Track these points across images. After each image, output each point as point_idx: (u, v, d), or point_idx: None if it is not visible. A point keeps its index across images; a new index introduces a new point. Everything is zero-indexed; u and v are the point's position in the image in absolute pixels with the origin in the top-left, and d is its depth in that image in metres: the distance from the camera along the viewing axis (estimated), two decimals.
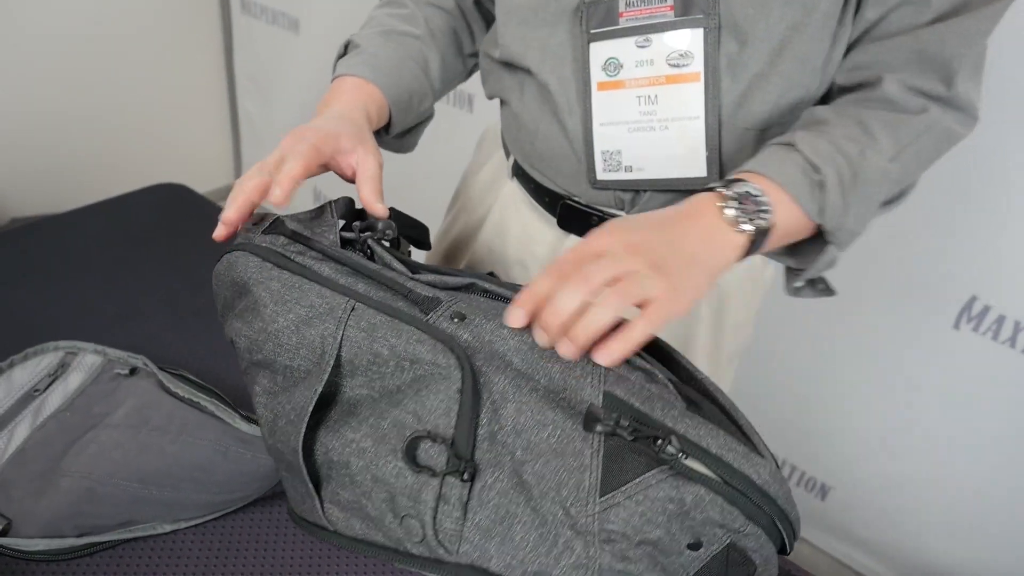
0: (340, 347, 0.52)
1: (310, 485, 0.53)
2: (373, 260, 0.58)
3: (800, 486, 1.61)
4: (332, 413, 0.54)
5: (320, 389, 0.52)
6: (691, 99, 0.64)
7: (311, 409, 0.52)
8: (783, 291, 0.68)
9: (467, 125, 1.78)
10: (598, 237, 0.51)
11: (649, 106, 0.66)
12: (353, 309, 0.52)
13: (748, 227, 0.54)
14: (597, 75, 0.66)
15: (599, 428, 0.47)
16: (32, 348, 0.77)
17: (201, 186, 1.27)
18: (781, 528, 0.49)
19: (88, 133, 2.12)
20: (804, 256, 0.62)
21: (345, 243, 0.59)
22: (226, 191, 2.73)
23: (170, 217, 1.15)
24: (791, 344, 1.51)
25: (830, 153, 0.57)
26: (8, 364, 0.77)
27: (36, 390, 0.74)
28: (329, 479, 0.54)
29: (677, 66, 0.64)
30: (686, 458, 0.46)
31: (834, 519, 1.58)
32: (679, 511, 0.47)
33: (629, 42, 0.64)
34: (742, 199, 0.54)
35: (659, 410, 0.48)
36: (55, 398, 0.73)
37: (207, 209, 1.19)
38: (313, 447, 0.54)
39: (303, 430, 0.52)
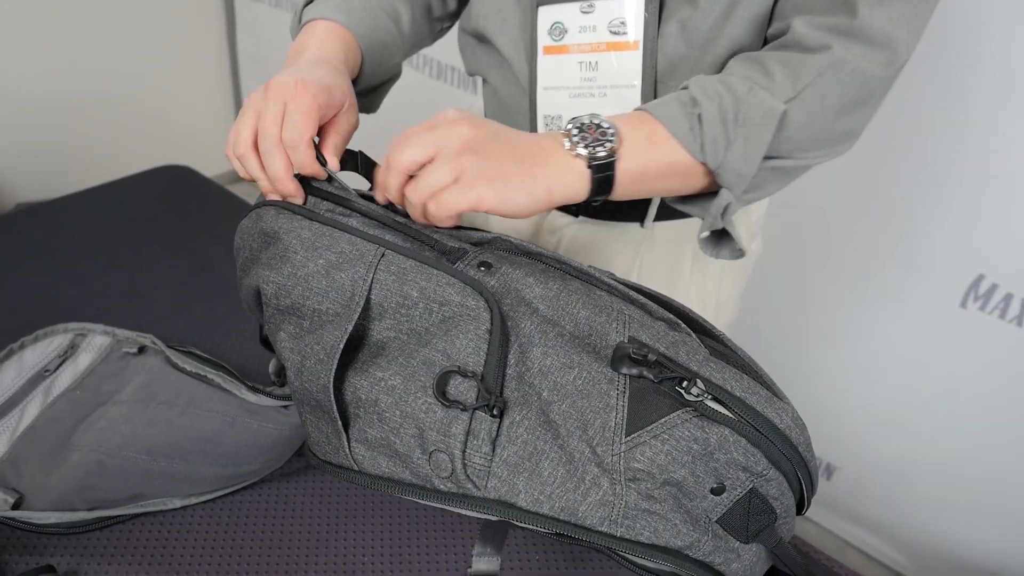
0: (370, 290, 0.53)
1: (339, 422, 0.53)
2: (398, 212, 0.60)
3: None
4: (360, 355, 0.55)
5: (350, 328, 0.52)
6: (629, 67, 0.65)
7: (341, 347, 0.52)
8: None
9: (470, 106, 1.77)
10: (437, 116, 0.56)
11: (590, 72, 0.67)
12: (383, 255, 0.53)
13: (584, 151, 0.55)
14: (543, 39, 0.67)
15: (626, 367, 0.49)
16: (42, 330, 0.78)
17: (205, 169, 1.27)
18: (800, 477, 0.50)
19: (91, 118, 2.12)
20: (701, 204, 0.62)
21: (367, 199, 0.60)
22: (230, 175, 2.73)
23: (175, 199, 1.15)
24: (796, 323, 1.50)
25: (716, 90, 0.57)
26: (19, 345, 0.77)
27: (47, 370, 0.75)
28: (356, 418, 0.54)
29: (617, 33, 0.64)
30: (711, 399, 0.48)
31: (840, 499, 1.59)
32: (703, 451, 0.48)
33: (574, 7, 0.65)
34: (585, 128, 0.56)
35: (684, 355, 0.50)
36: (65, 378, 0.74)
37: (212, 190, 1.19)
38: (341, 387, 0.54)
39: (334, 367, 0.52)
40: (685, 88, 0.59)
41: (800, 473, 0.50)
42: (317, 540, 0.67)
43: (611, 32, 0.64)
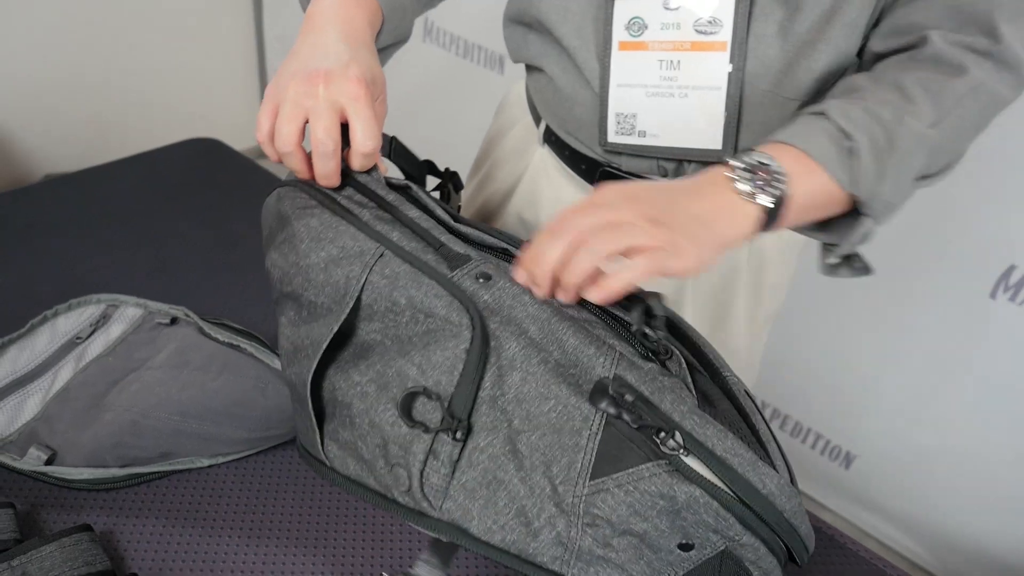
0: (362, 290, 0.52)
1: (312, 419, 0.54)
2: (418, 203, 0.59)
3: (824, 454, 1.61)
4: (345, 353, 0.55)
5: (336, 328, 0.52)
6: (715, 68, 0.63)
7: (325, 346, 0.52)
8: (816, 268, 0.67)
9: (497, 86, 1.77)
10: (600, 191, 0.51)
11: (671, 71, 0.64)
12: (381, 255, 0.53)
13: (763, 198, 0.52)
14: (619, 34, 0.64)
15: (604, 404, 0.46)
16: (76, 299, 0.79)
17: (231, 145, 1.28)
18: (787, 543, 0.48)
19: (117, 94, 2.14)
20: (838, 230, 0.60)
21: (391, 186, 0.59)
22: (253, 152, 2.74)
23: (204, 171, 1.16)
24: (821, 311, 1.49)
25: (863, 119, 0.54)
26: (53, 313, 0.79)
27: (79, 337, 0.76)
28: (332, 417, 0.55)
29: (704, 33, 0.62)
30: (687, 455, 0.45)
31: (857, 488, 1.58)
32: (670, 508, 0.46)
33: (656, 2, 0.62)
34: (754, 169, 0.53)
35: (668, 402, 0.47)
36: (97, 345, 0.75)
37: (240, 163, 1.20)
38: (322, 383, 0.55)
39: (315, 365, 0.53)
40: (821, 115, 0.56)
41: (787, 539, 0.47)
42: (336, 506, 0.68)
43: (696, 31, 0.62)
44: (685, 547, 0.47)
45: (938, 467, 1.44)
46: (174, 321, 0.77)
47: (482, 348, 0.49)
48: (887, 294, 1.39)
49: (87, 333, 0.76)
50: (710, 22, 0.61)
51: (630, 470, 0.46)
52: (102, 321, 0.78)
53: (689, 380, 0.50)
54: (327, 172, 0.56)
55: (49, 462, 0.65)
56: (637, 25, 0.63)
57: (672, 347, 0.51)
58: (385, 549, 0.65)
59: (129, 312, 0.78)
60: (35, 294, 0.87)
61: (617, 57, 0.65)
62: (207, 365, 0.69)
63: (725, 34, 0.61)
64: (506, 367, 0.49)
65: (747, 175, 0.53)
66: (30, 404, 0.69)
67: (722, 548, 0.46)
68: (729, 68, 0.62)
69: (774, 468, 0.47)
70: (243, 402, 0.67)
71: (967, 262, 1.26)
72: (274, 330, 0.82)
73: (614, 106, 0.67)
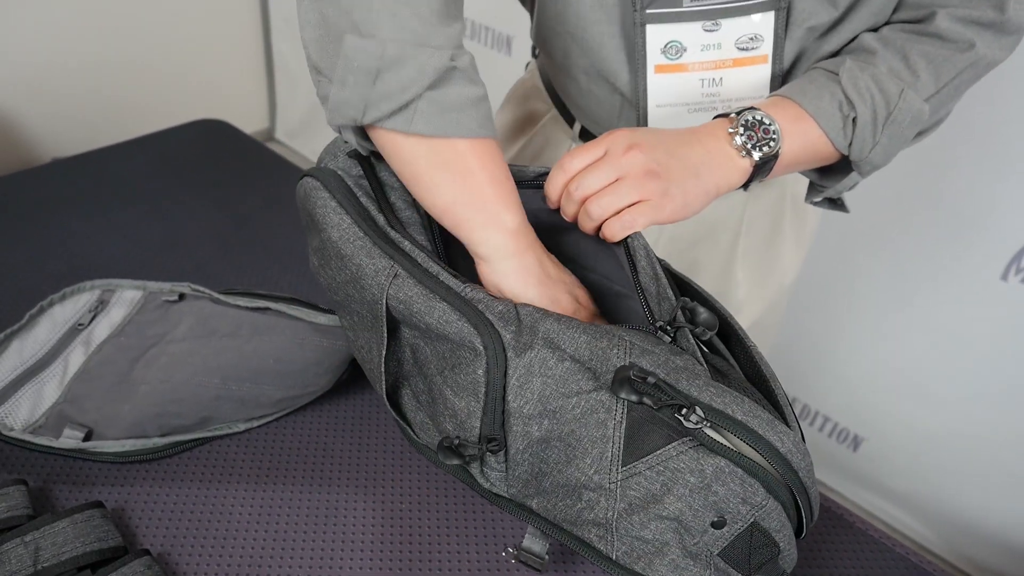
0: (387, 311, 0.55)
1: (400, 421, 0.61)
2: None
3: (832, 437, 1.61)
4: (405, 356, 0.59)
5: (384, 352, 0.57)
6: (758, 80, 0.65)
7: (383, 370, 0.57)
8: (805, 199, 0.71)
9: (505, 68, 1.76)
10: (609, 136, 0.56)
11: (713, 88, 0.66)
12: (395, 276, 0.54)
13: (756, 153, 0.58)
14: (655, 58, 0.64)
15: (624, 392, 0.49)
16: (68, 288, 0.79)
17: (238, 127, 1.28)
18: (800, 504, 0.49)
19: (124, 77, 2.14)
20: (827, 176, 0.67)
21: None
22: (262, 134, 2.73)
23: (212, 151, 1.16)
24: (830, 294, 1.49)
25: (869, 89, 0.59)
26: (48, 303, 0.78)
27: (80, 324, 0.76)
28: (418, 411, 0.60)
29: (746, 49, 0.63)
30: (709, 427, 0.47)
31: (865, 470, 1.58)
32: (700, 484, 0.48)
33: (695, 26, 0.62)
34: (751, 126, 0.58)
35: (684, 381, 0.49)
36: (102, 329, 0.75)
37: (248, 145, 1.20)
38: (399, 387, 0.62)
39: (384, 384, 0.58)
40: (835, 76, 0.60)
41: (800, 500, 0.49)
42: (375, 462, 0.68)
43: (738, 48, 0.63)
44: (718, 524, 0.48)
45: (946, 450, 1.44)
46: (182, 297, 0.77)
47: (500, 367, 0.51)
48: (897, 277, 1.38)
49: (88, 319, 0.76)
50: (751, 39, 0.62)
51: (658, 452, 0.48)
52: (101, 306, 0.78)
53: (699, 354, 0.52)
54: None
55: (86, 439, 0.65)
56: (675, 49, 0.63)
57: (683, 322, 0.53)
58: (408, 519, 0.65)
59: (127, 295, 0.78)
60: (45, 274, 0.87)
61: (653, 80, 0.66)
62: (236, 331, 0.70)
63: (766, 47, 0.63)
64: (525, 376, 0.51)
65: (744, 131, 0.58)
66: (48, 389, 0.69)
67: (751, 520, 0.48)
68: (770, 77, 0.65)
69: (789, 427, 0.50)
70: (283, 358, 0.68)
71: (978, 244, 1.25)
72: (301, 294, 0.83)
73: (653, 123, 0.68)
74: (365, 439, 0.72)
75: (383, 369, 0.57)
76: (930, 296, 1.35)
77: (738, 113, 0.58)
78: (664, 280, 0.53)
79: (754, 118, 0.58)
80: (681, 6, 0.61)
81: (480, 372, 0.51)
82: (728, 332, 0.55)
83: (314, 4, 0.51)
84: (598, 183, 0.55)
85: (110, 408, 0.66)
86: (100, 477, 0.66)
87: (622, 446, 0.49)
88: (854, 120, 0.59)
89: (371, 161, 0.61)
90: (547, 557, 0.55)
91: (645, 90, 0.66)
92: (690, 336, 0.52)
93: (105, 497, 0.64)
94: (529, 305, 0.54)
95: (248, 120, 2.51)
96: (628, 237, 0.55)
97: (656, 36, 0.63)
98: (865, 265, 1.41)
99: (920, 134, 0.63)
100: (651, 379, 0.48)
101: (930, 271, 1.33)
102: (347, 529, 0.64)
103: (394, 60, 0.49)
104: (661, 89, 0.66)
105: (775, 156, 0.58)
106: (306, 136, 2.44)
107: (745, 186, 0.60)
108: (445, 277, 0.54)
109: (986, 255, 1.25)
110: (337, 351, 0.70)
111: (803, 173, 0.69)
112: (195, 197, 1.04)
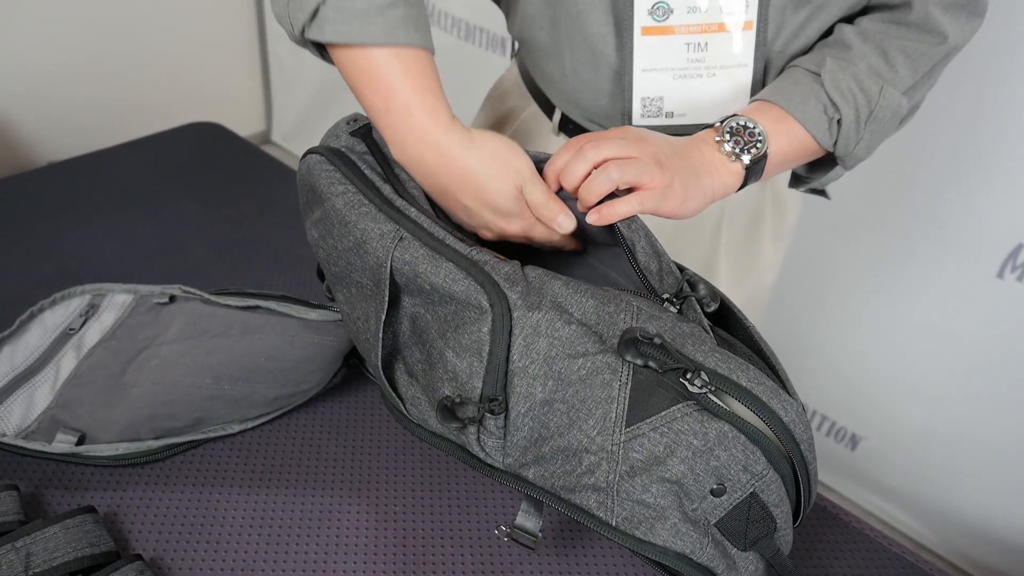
0: (391, 275, 0.55)
1: (391, 391, 0.60)
2: None
3: (830, 436, 1.61)
4: (403, 328, 0.59)
5: (383, 316, 0.55)
6: (743, 47, 0.65)
7: (380, 336, 0.56)
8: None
9: (500, 69, 1.75)
10: (617, 130, 0.58)
11: (698, 53, 0.66)
12: (401, 239, 0.54)
13: (745, 157, 0.60)
14: (642, 19, 0.65)
15: (631, 354, 0.49)
16: (59, 293, 0.79)
17: (233, 130, 1.28)
18: (799, 480, 0.49)
19: (119, 80, 2.13)
20: (813, 169, 0.70)
21: None
22: (258, 136, 2.73)
23: (206, 154, 1.16)
24: (827, 293, 1.49)
25: (851, 90, 0.61)
26: (39, 308, 0.78)
27: (71, 329, 0.76)
28: (409, 384, 0.59)
29: (731, 13, 0.63)
30: (713, 392, 0.48)
31: (863, 469, 1.58)
32: (703, 447, 0.48)
33: None
34: (736, 131, 0.60)
35: (689, 346, 0.50)
36: (93, 334, 0.75)
37: (243, 147, 1.19)
38: (394, 359, 0.60)
39: (380, 352, 0.57)
40: (816, 77, 0.62)
41: (799, 473, 0.49)
42: (372, 456, 0.68)
43: (724, 12, 0.63)
44: (717, 492, 0.49)
45: (944, 448, 1.44)
46: (172, 299, 0.77)
47: (505, 326, 0.51)
48: (893, 275, 1.38)
49: (79, 324, 0.76)
50: (737, 2, 0.62)
51: (662, 413, 0.48)
52: (91, 311, 0.77)
53: (705, 323, 0.53)
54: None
55: (79, 443, 0.65)
56: (662, 10, 0.64)
57: (688, 293, 0.54)
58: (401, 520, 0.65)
59: (118, 299, 0.78)
60: (40, 278, 0.87)
61: (640, 42, 0.66)
62: (227, 330, 0.70)
63: (751, 13, 0.63)
64: (531, 335, 0.51)
65: (731, 137, 0.60)
66: (40, 394, 0.69)
67: (750, 490, 0.48)
68: (755, 44, 0.65)
69: (792, 397, 0.50)
70: (274, 355, 0.68)
71: (974, 241, 1.25)
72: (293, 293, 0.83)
73: (639, 91, 0.68)
74: (359, 442, 0.72)
75: (380, 336, 0.56)
76: (926, 294, 1.35)
77: (721, 122, 0.61)
78: (667, 257, 0.55)
79: (737, 124, 0.60)
80: None
81: (485, 331, 0.51)
82: (726, 313, 0.56)
83: None
84: (615, 151, 0.55)
85: (102, 412, 0.66)
86: (92, 482, 0.65)
87: (626, 407, 0.49)
88: (839, 121, 0.62)
89: (374, 138, 0.61)
90: (540, 535, 0.55)
91: (631, 53, 0.66)
92: (696, 306, 0.53)
93: (97, 502, 0.64)
94: (537, 268, 0.54)
95: (244, 122, 2.51)
96: (627, 219, 0.55)
97: None
98: (861, 263, 1.41)
99: (900, 121, 0.66)
100: (657, 340, 0.48)
101: (926, 269, 1.33)
102: (341, 532, 0.63)
103: None
104: (647, 52, 0.66)
105: (764, 157, 0.61)
106: (302, 138, 2.44)
107: (740, 188, 0.62)
108: (451, 240, 0.54)
109: (982, 253, 1.25)
110: (328, 347, 0.70)
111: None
112: (189, 200, 1.04)
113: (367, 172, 0.58)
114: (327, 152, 0.59)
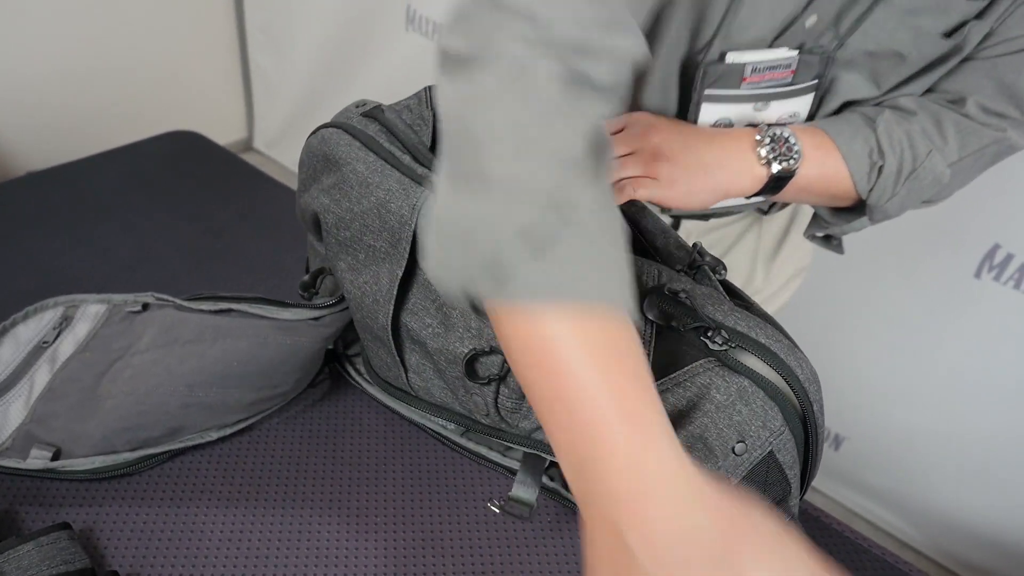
0: (415, 232, 0.55)
1: (396, 357, 0.60)
2: None
3: None
4: (412, 292, 0.59)
5: (401, 273, 0.57)
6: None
7: (395, 291, 0.57)
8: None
9: None
10: (634, 115, 0.61)
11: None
12: (428, 199, 0.55)
13: (775, 165, 0.60)
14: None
15: (654, 314, 0.50)
16: (31, 306, 0.78)
17: (213, 139, 1.27)
18: (808, 440, 0.51)
19: (99, 88, 2.11)
20: (838, 213, 0.70)
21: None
22: (239, 145, 2.71)
23: (184, 164, 1.15)
24: (807, 292, 1.49)
25: (901, 144, 0.62)
26: (11, 323, 0.77)
27: (45, 342, 0.74)
28: (412, 351, 0.60)
29: (786, 123, 0.66)
30: (734, 348, 0.50)
31: (847, 469, 1.59)
32: (726, 401, 0.49)
33: (747, 107, 0.64)
34: (777, 139, 0.60)
35: (709, 306, 0.52)
36: (67, 346, 0.74)
37: (222, 156, 1.19)
38: (398, 324, 0.60)
39: (391, 311, 0.58)
40: (872, 122, 0.62)
41: (809, 434, 0.51)
42: (358, 454, 0.67)
43: (779, 122, 0.66)
44: (738, 450, 0.50)
45: (925, 447, 1.45)
46: (146, 307, 0.76)
47: None
48: (872, 275, 1.39)
49: (52, 337, 0.75)
50: (791, 115, 0.65)
51: (685, 368, 0.51)
52: (65, 323, 0.76)
53: (721, 288, 0.55)
54: None
55: (55, 458, 0.64)
56: (723, 125, 0.66)
57: (701, 261, 0.56)
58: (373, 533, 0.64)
59: (92, 309, 0.77)
60: (16, 289, 0.85)
61: None
62: (199, 337, 0.69)
63: (798, 121, 0.66)
64: None
65: (770, 142, 0.61)
66: (14, 410, 0.68)
67: (768, 449, 0.50)
68: None
69: (804, 356, 0.52)
70: (246, 360, 0.67)
71: (951, 242, 1.27)
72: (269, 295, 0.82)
73: None
74: (339, 452, 0.71)
75: (393, 293, 0.57)
76: (906, 295, 1.36)
77: (768, 125, 0.62)
78: (673, 232, 0.57)
79: (780, 133, 0.61)
80: (739, 88, 0.63)
81: None
82: (730, 286, 0.58)
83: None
84: (615, 149, 0.57)
85: (77, 425, 0.65)
86: (68, 497, 0.65)
87: (650, 363, 0.50)
88: (880, 168, 0.62)
89: (387, 117, 0.61)
90: (535, 504, 0.56)
91: None
92: (710, 273, 0.55)
93: (73, 518, 0.63)
94: None
95: (226, 130, 2.49)
96: (633, 201, 0.57)
97: (709, 113, 0.65)
98: (839, 265, 1.42)
99: (928, 201, 0.66)
100: (683, 295, 0.50)
101: (905, 270, 1.34)
102: (321, 545, 0.63)
103: None
104: None
105: (791, 174, 0.61)
106: (284, 145, 2.42)
107: (763, 210, 0.63)
108: None
109: (959, 253, 1.26)
110: (301, 348, 0.69)
111: (815, 208, 0.72)
112: (167, 210, 1.03)
113: (386, 144, 0.59)
114: (343, 125, 0.60)
